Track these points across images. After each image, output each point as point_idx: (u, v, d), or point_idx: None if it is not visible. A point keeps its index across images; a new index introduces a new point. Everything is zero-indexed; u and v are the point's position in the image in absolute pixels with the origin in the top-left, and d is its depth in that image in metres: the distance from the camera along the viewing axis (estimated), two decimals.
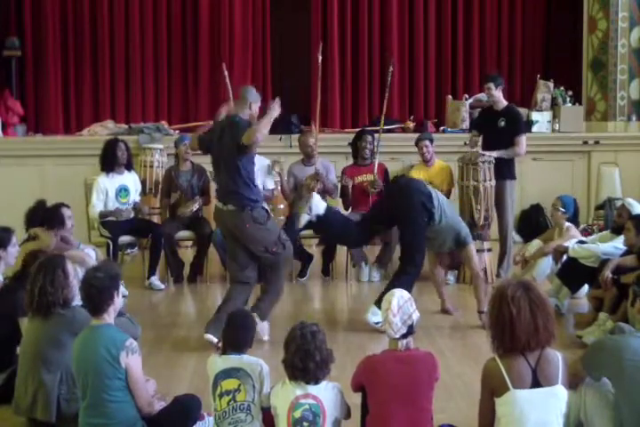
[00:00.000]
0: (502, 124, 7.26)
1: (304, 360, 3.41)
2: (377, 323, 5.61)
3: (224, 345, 3.81)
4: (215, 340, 5.10)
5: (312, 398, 3.43)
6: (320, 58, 7.94)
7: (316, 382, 3.44)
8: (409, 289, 5.51)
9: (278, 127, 9.26)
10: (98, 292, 3.69)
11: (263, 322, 5.43)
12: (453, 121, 9.62)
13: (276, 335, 5.24)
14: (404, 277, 5.79)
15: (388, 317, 3.52)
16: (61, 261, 4.21)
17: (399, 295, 3.60)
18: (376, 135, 7.82)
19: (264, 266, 5.63)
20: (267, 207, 5.68)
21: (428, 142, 7.56)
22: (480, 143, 7.31)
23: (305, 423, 3.41)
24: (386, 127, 9.07)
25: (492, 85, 7.27)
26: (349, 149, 7.98)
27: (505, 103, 7.39)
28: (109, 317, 3.75)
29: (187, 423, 3.85)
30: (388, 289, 5.50)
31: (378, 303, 5.63)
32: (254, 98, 5.52)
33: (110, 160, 7.29)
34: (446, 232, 5.92)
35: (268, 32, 10.29)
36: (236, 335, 3.80)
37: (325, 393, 3.45)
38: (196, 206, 7.33)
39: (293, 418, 3.42)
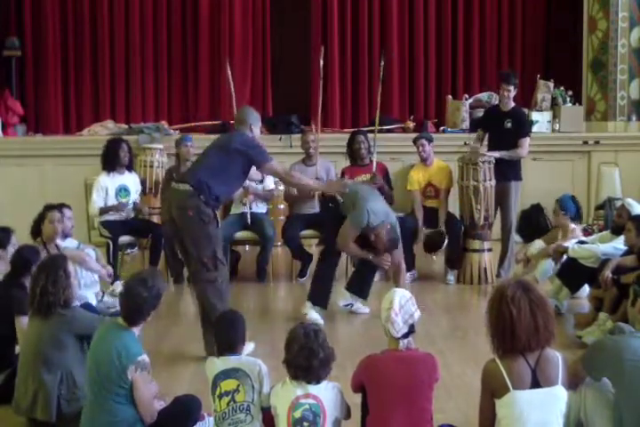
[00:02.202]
0: (509, 125, 7.26)
1: (308, 359, 3.40)
2: (346, 305, 6.35)
3: (219, 348, 3.81)
4: None
5: (312, 398, 3.42)
6: (322, 62, 7.97)
7: (318, 381, 3.44)
8: (332, 272, 6.17)
9: (278, 127, 9.30)
10: (139, 310, 3.70)
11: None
12: (453, 121, 9.61)
13: (275, 335, 5.25)
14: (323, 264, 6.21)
15: (390, 316, 3.50)
16: (63, 262, 4.22)
17: (401, 295, 3.58)
18: (371, 135, 7.82)
19: (195, 287, 5.30)
20: (217, 216, 5.25)
21: (424, 141, 7.54)
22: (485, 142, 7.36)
23: (305, 423, 3.40)
24: (385, 127, 9.10)
25: (512, 88, 7.25)
26: (353, 148, 7.97)
27: (512, 104, 7.39)
28: (138, 329, 3.76)
29: (187, 424, 3.85)
30: (317, 276, 6.19)
31: (349, 289, 6.37)
32: (254, 120, 5.42)
33: (112, 160, 7.29)
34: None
35: (268, 32, 10.29)
36: (227, 336, 3.80)
37: (326, 393, 3.45)
38: None
39: (293, 418, 3.41)
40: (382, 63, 8.14)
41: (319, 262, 6.33)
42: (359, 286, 6.36)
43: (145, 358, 3.68)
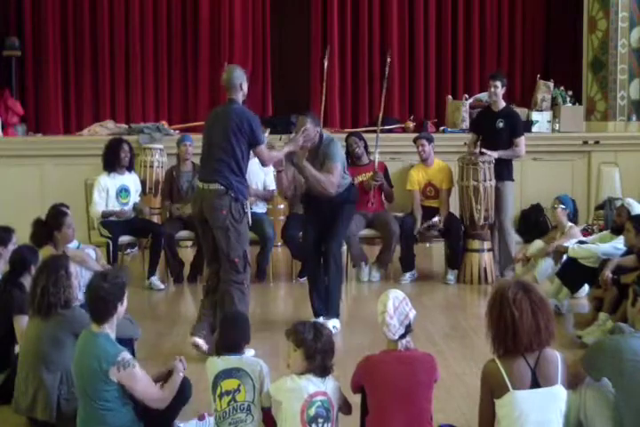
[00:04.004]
0: (501, 124, 7.26)
1: (325, 357, 3.46)
2: None
3: (221, 347, 3.80)
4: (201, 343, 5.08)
5: (322, 395, 3.45)
6: (326, 63, 8.00)
7: (327, 374, 3.48)
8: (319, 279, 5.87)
9: (278, 127, 9.31)
10: (103, 302, 3.66)
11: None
12: (453, 121, 9.62)
13: (275, 335, 5.24)
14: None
15: (385, 319, 3.48)
16: (65, 262, 4.21)
17: (394, 296, 3.56)
18: (373, 134, 7.83)
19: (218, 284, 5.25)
20: (247, 210, 5.26)
21: (424, 141, 7.56)
22: (479, 144, 7.34)
23: (320, 420, 3.43)
24: (386, 127, 9.10)
25: (499, 84, 7.26)
26: (348, 150, 8.00)
27: (503, 104, 7.39)
28: (110, 326, 3.69)
29: (177, 405, 3.83)
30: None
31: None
32: (242, 77, 5.35)
33: (112, 160, 7.27)
34: None
35: (267, 32, 10.29)
36: (230, 336, 3.81)
37: (330, 386, 3.48)
38: None
39: (308, 416, 3.42)
40: (389, 59, 8.14)
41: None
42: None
43: (124, 355, 3.62)
